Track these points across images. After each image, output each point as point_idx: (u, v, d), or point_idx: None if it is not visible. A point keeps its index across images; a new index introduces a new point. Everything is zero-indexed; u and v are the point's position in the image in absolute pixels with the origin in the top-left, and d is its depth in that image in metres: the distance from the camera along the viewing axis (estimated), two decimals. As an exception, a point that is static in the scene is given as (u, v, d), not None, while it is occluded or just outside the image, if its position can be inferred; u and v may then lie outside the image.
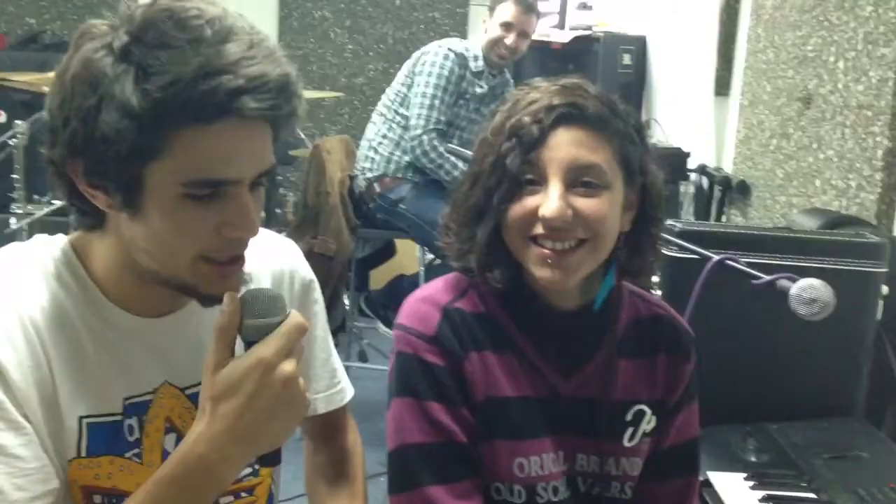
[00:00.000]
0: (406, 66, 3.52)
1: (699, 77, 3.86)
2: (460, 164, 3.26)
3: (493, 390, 1.22)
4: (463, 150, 2.25)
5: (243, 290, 0.99)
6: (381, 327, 3.72)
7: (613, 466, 1.26)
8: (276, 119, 0.93)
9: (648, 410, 1.27)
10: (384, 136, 3.46)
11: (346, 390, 1.34)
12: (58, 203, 3.78)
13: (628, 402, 1.27)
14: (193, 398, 1.07)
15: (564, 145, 1.14)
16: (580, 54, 4.55)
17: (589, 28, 4.63)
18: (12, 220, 3.73)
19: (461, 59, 3.41)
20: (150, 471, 0.98)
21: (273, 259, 1.19)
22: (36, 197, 3.86)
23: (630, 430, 1.26)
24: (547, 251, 1.15)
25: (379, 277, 4.04)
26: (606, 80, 4.36)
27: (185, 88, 0.86)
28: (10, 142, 3.73)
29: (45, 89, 3.80)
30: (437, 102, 3.36)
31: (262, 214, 1.07)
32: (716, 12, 3.65)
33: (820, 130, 2.75)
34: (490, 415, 1.21)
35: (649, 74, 4.59)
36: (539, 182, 1.15)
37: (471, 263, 1.23)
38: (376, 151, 3.46)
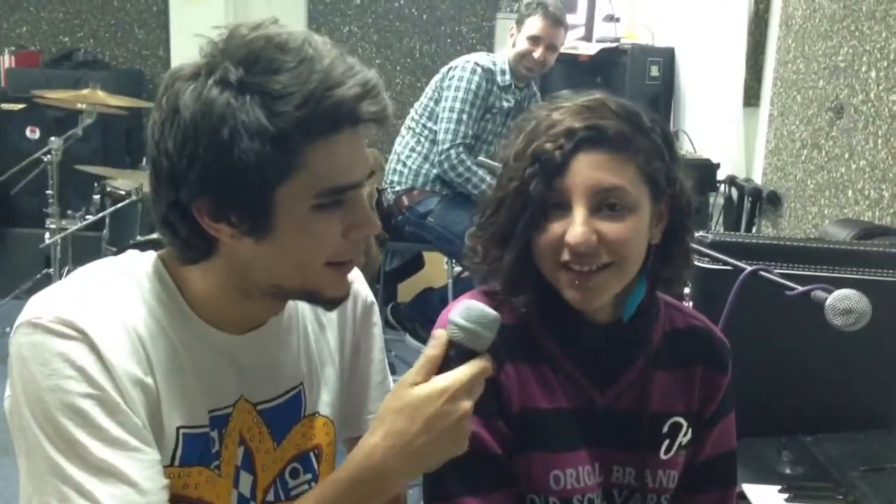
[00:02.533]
0: (434, 81, 3.54)
1: (728, 88, 3.85)
2: (488, 177, 3.28)
3: (528, 402, 1.22)
4: (492, 162, 2.26)
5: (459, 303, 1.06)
6: (410, 339, 3.73)
7: (650, 479, 1.25)
8: (384, 121, 0.98)
9: (685, 423, 1.27)
10: (412, 150, 3.48)
11: None
12: (91, 218, 3.84)
13: (665, 414, 1.26)
14: (263, 414, 1.10)
15: (586, 169, 1.14)
16: (607, 66, 4.55)
17: (616, 40, 4.63)
18: (46, 235, 3.80)
19: (488, 74, 3.43)
20: (226, 483, 1.03)
21: None
22: (69, 212, 3.92)
23: (666, 443, 1.26)
24: (573, 274, 1.16)
25: (407, 290, 4.06)
26: (634, 91, 4.36)
27: (317, 103, 0.92)
28: (44, 158, 3.80)
29: (79, 106, 3.90)
30: (464, 117, 3.38)
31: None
32: (744, 23, 3.64)
33: (852, 141, 2.73)
34: (526, 427, 1.21)
35: (678, 86, 4.58)
36: (564, 207, 1.16)
37: (496, 286, 1.24)
38: (405, 165, 3.48)
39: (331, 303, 1.07)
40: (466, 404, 0.98)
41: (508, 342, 1.22)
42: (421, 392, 0.97)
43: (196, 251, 1.01)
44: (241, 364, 1.08)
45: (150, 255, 1.07)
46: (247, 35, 0.95)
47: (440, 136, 3.39)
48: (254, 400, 1.10)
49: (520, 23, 3.52)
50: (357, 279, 1.25)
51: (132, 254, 1.07)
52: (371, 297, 1.28)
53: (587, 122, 1.15)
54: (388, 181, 3.53)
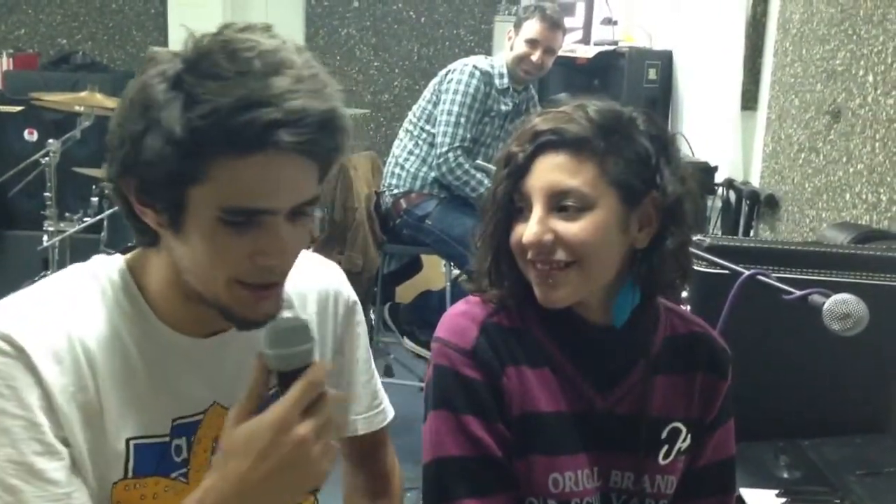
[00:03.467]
0: (432, 84, 3.54)
1: (726, 91, 3.85)
2: (486, 181, 3.28)
3: (529, 405, 1.22)
4: (489, 166, 2.26)
5: (282, 316, 1.01)
6: (408, 342, 3.73)
7: (648, 484, 1.26)
8: (315, 154, 0.94)
9: (684, 428, 1.27)
10: (410, 153, 3.48)
11: (387, 411, 1.35)
12: (89, 220, 3.84)
13: (664, 419, 1.27)
14: None
15: (545, 171, 1.18)
16: (605, 69, 4.56)
17: (614, 43, 4.63)
18: (44, 238, 3.79)
19: (486, 77, 3.43)
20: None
21: (318, 281, 1.21)
22: (67, 214, 3.92)
23: (665, 448, 1.26)
24: (537, 272, 1.20)
25: (405, 293, 4.06)
26: (632, 94, 4.36)
27: (223, 118, 0.88)
28: (42, 160, 3.79)
29: (77, 108, 3.89)
30: (462, 120, 3.38)
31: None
32: (742, 26, 3.64)
33: (849, 144, 2.73)
34: (526, 429, 1.22)
35: (675, 89, 4.58)
36: (528, 209, 1.20)
37: (482, 286, 1.28)
38: (402, 168, 3.48)
39: (242, 323, 1.01)
40: (300, 430, 0.92)
41: (511, 345, 1.23)
42: (248, 428, 0.92)
43: (143, 235, 1.01)
44: (209, 369, 1.07)
45: (117, 260, 1.06)
46: (220, 35, 0.94)
47: (438, 140, 3.39)
48: (226, 404, 1.07)
49: (517, 26, 3.52)
50: (339, 278, 1.25)
51: (99, 259, 1.07)
52: (353, 296, 1.26)
53: (550, 126, 1.19)
54: (385, 184, 3.53)
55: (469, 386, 1.21)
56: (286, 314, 1.06)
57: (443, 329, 1.26)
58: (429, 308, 3.66)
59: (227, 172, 0.91)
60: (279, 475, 0.91)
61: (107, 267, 1.05)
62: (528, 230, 1.18)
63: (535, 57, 3.47)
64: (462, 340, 1.23)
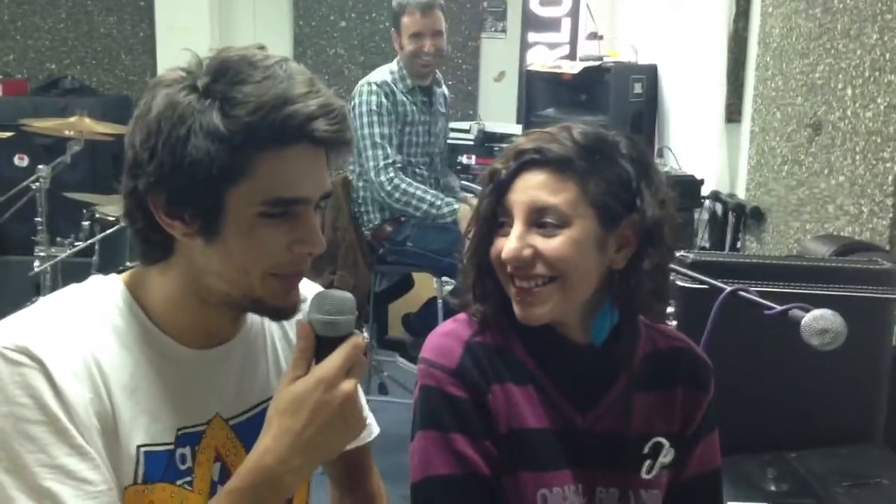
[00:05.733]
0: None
1: (710, 104, 3.89)
2: (428, 196, 3.24)
3: (516, 422, 1.24)
4: (475, 186, 2.22)
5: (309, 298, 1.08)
6: (401, 360, 3.74)
7: (633, 499, 1.27)
8: (339, 143, 1.03)
9: (666, 443, 1.29)
10: (363, 189, 3.38)
11: (372, 427, 1.36)
12: (80, 245, 3.85)
13: (645, 435, 1.28)
14: (236, 429, 1.13)
15: (527, 188, 1.22)
16: (591, 84, 4.58)
17: (600, 58, 4.67)
18: (36, 263, 3.80)
19: (386, 88, 3.33)
20: (200, 498, 1.06)
21: (303, 295, 1.23)
22: (59, 239, 3.92)
23: (647, 463, 1.28)
24: (515, 289, 1.22)
25: (397, 312, 4.07)
26: (618, 109, 4.39)
27: (269, 114, 0.97)
28: (33, 186, 3.80)
29: (67, 133, 3.90)
30: (378, 140, 3.28)
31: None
32: (724, 41, 3.69)
33: (831, 157, 2.77)
34: (514, 446, 1.24)
35: (661, 103, 4.62)
36: (509, 224, 1.23)
37: (467, 302, 1.30)
38: (362, 205, 3.40)
39: (275, 313, 1.09)
40: (346, 386, 1.00)
41: (496, 363, 1.25)
42: (299, 387, 1.00)
43: (156, 249, 1.05)
44: (212, 380, 1.11)
45: (114, 279, 1.10)
46: (228, 53, 1.02)
47: (366, 167, 3.29)
48: (226, 416, 1.12)
49: (396, 27, 3.43)
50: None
51: (96, 279, 1.11)
52: None
53: (533, 145, 1.22)
54: (359, 219, 3.48)
55: (455, 405, 1.23)
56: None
57: (428, 349, 1.28)
58: (435, 314, 3.65)
59: (268, 165, 0.98)
60: (329, 428, 1.00)
61: (106, 287, 1.09)
62: (507, 245, 1.21)
63: (427, 47, 3.36)
64: (447, 360, 1.25)
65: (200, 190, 0.98)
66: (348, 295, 1.06)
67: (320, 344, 1.03)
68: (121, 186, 1.04)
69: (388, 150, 3.28)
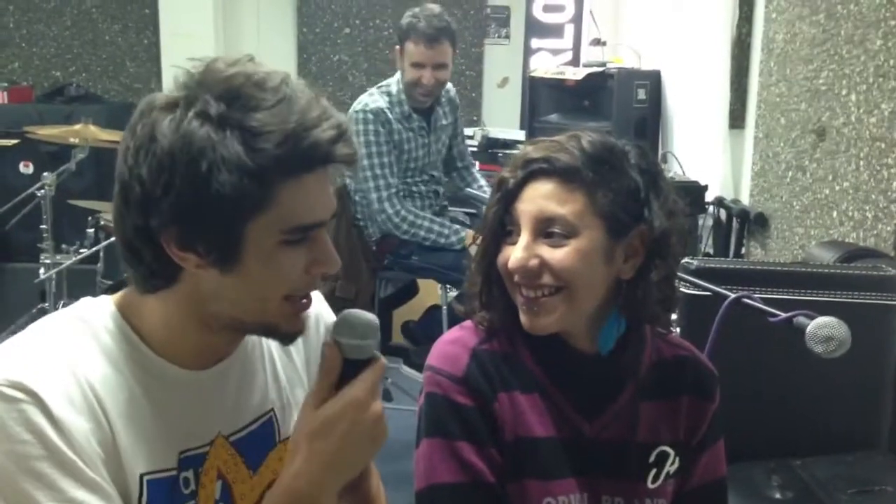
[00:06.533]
0: None
1: (714, 110, 3.89)
2: (436, 226, 3.22)
3: (522, 430, 1.24)
4: (482, 195, 2.20)
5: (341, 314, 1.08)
6: (404, 367, 3.73)
7: (638, 507, 1.27)
8: (354, 163, 1.02)
9: (672, 452, 1.29)
10: (363, 207, 3.33)
11: None
12: (85, 252, 3.86)
13: (651, 444, 1.28)
14: (236, 444, 1.11)
15: (535, 198, 1.22)
16: (595, 90, 4.59)
17: (603, 64, 4.67)
18: (41, 270, 3.81)
19: (382, 116, 3.22)
20: None
21: None
22: (64, 246, 3.93)
23: (653, 472, 1.28)
24: (522, 298, 1.22)
25: (399, 319, 4.07)
26: (621, 115, 4.39)
27: (295, 143, 0.95)
28: (38, 193, 3.81)
29: (72, 141, 3.90)
30: (378, 170, 3.22)
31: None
32: (728, 47, 3.69)
33: (835, 162, 2.77)
34: (520, 454, 1.24)
35: (664, 109, 4.62)
36: (517, 233, 1.22)
37: (473, 309, 1.30)
38: (364, 220, 3.36)
39: (287, 337, 1.08)
40: (376, 408, 1.02)
41: (502, 371, 1.25)
42: (329, 410, 1.00)
43: (158, 279, 1.01)
44: (211, 400, 1.09)
45: (105, 302, 1.07)
46: (224, 70, 0.97)
47: (368, 198, 3.24)
48: (226, 432, 1.10)
49: (401, 47, 3.28)
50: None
51: (86, 302, 1.08)
52: (334, 317, 1.27)
53: (542, 154, 1.22)
54: (365, 231, 3.45)
55: (461, 412, 1.23)
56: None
57: (434, 357, 1.28)
58: (437, 322, 3.64)
59: (288, 192, 0.96)
60: (361, 448, 1.02)
61: (96, 310, 1.06)
62: (514, 255, 1.21)
63: (426, 79, 3.22)
64: (453, 368, 1.25)
65: (222, 224, 0.95)
66: (374, 318, 1.06)
67: (345, 365, 1.03)
68: (121, 221, 0.99)
69: (389, 180, 3.23)
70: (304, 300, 1.06)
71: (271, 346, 1.19)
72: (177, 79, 0.98)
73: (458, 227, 3.32)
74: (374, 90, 3.34)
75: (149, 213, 0.96)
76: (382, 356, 1.05)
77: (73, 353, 1.00)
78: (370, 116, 3.19)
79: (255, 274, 0.99)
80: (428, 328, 3.75)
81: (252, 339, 1.15)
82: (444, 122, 3.51)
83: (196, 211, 0.94)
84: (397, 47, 3.30)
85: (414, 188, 3.40)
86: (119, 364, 1.02)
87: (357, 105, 3.27)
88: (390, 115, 3.24)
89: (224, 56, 1.01)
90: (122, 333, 1.04)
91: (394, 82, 3.33)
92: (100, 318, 1.04)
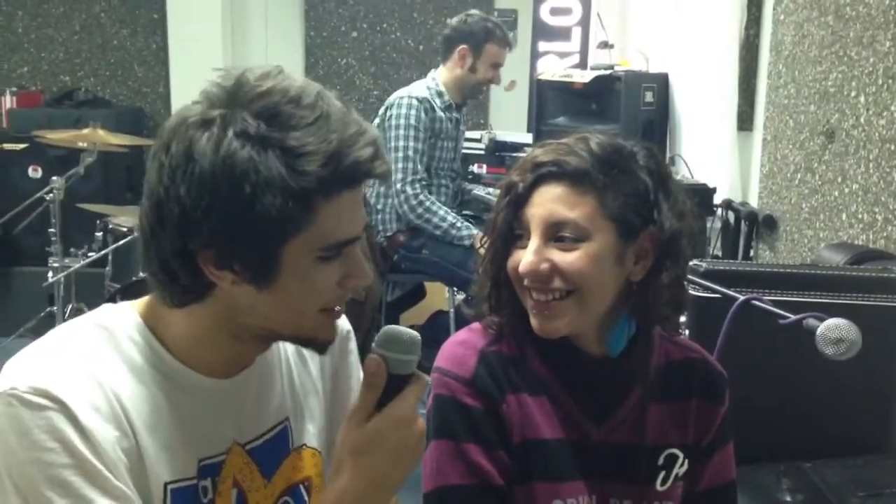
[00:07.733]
0: (375, 121, 3.47)
1: (722, 113, 3.88)
2: (450, 217, 3.29)
3: (530, 432, 1.24)
4: (490, 198, 2.22)
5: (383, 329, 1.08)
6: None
7: (647, 510, 1.27)
8: (389, 176, 1.02)
9: (681, 454, 1.29)
10: (380, 195, 3.42)
11: None
12: (94, 255, 3.87)
13: (660, 446, 1.28)
14: (252, 453, 1.11)
15: (545, 202, 1.21)
16: (602, 93, 4.58)
17: (610, 67, 4.66)
18: (50, 274, 3.82)
19: (426, 104, 3.37)
20: None
21: None
22: (72, 250, 3.94)
23: (662, 474, 1.28)
24: (533, 302, 1.22)
25: (405, 323, 4.07)
26: (629, 117, 4.38)
27: (339, 163, 0.94)
28: (47, 197, 3.82)
29: (81, 145, 3.92)
30: (411, 153, 3.32)
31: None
32: (736, 49, 3.68)
33: (844, 164, 2.75)
34: (528, 456, 1.24)
35: (672, 111, 4.61)
36: (526, 237, 1.22)
37: (482, 312, 1.30)
38: (381, 212, 3.44)
39: (322, 346, 1.09)
40: (420, 424, 1.02)
41: (510, 373, 1.25)
42: (378, 426, 1.00)
43: (191, 296, 1.01)
44: (230, 408, 1.09)
45: (127, 309, 1.06)
46: (258, 85, 0.95)
47: (393, 177, 3.32)
48: (243, 441, 1.10)
49: (476, 49, 3.45)
50: None
51: (107, 309, 1.06)
52: (348, 326, 1.28)
53: (551, 157, 1.21)
54: (375, 226, 3.50)
55: (469, 414, 1.23)
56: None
57: (442, 358, 1.28)
58: (442, 327, 3.65)
59: (326, 210, 0.95)
60: (406, 464, 1.02)
61: (120, 319, 1.05)
62: (524, 259, 1.21)
63: (498, 78, 3.53)
64: (461, 369, 1.25)
65: (262, 244, 0.95)
66: (416, 333, 1.06)
67: (392, 379, 1.03)
68: (155, 242, 0.97)
69: (418, 167, 3.33)
70: (338, 309, 1.06)
71: (288, 353, 1.19)
72: (205, 92, 0.97)
73: (469, 224, 3.37)
74: (414, 85, 3.50)
75: (188, 234, 0.94)
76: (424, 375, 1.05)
77: (97, 361, 0.99)
78: (415, 102, 3.35)
79: (291, 290, 0.99)
80: (433, 332, 3.75)
81: (271, 346, 1.14)
82: (462, 126, 3.66)
83: (237, 233, 0.93)
84: (464, 46, 3.44)
85: (442, 181, 3.49)
86: (143, 374, 1.01)
87: (401, 93, 3.41)
88: (434, 103, 3.40)
89: (252, 68, 0.99)
90: (147, 343, 1.03)
91: (429, 79, 3.50)
92: (123, 327, 1.03)
